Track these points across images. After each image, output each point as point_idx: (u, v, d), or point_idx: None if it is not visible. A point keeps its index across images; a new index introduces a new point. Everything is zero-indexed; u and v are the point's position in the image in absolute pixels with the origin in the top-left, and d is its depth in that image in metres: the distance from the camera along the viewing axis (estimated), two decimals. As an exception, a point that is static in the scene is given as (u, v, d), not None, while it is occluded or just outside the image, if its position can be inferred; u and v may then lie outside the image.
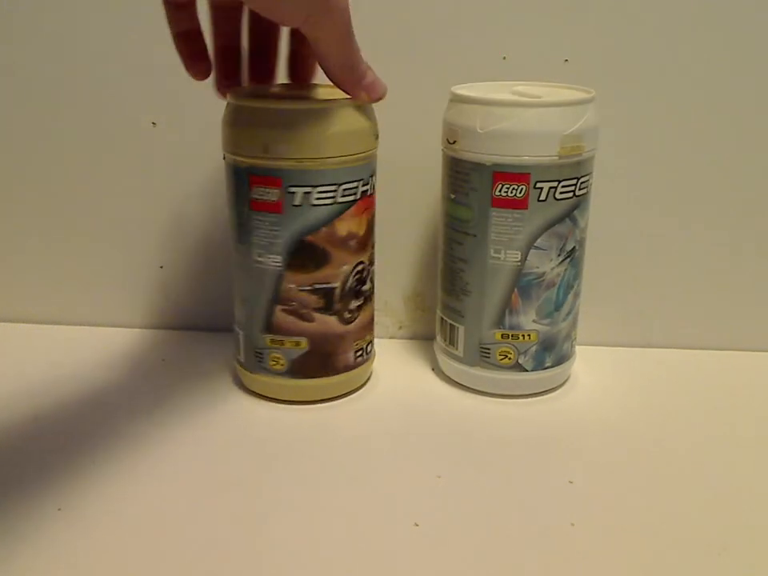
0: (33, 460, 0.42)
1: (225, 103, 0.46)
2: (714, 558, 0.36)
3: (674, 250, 0.55)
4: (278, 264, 0.45)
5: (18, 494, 0.40)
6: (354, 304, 0.47)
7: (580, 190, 0.46)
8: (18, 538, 0.36)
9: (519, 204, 0.45)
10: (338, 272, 0.46)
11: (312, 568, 0.35)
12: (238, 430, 0.46)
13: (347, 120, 0.44)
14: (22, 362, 0.54)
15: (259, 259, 0.45)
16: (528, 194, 0.45)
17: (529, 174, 0.44)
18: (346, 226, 0.45)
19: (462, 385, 0.51)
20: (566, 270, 0.47)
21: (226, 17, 0.44)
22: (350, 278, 0.47)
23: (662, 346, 0.57)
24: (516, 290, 0.47)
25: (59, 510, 0.38)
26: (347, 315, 0.47)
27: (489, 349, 0.48)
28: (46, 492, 0.40)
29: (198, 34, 0.43)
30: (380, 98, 0.44)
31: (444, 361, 0.51)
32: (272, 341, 0.47)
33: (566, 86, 0.49)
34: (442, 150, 0.48)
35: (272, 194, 0.44)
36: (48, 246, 0.58)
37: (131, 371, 0.52)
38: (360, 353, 0.49)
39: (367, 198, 0.46)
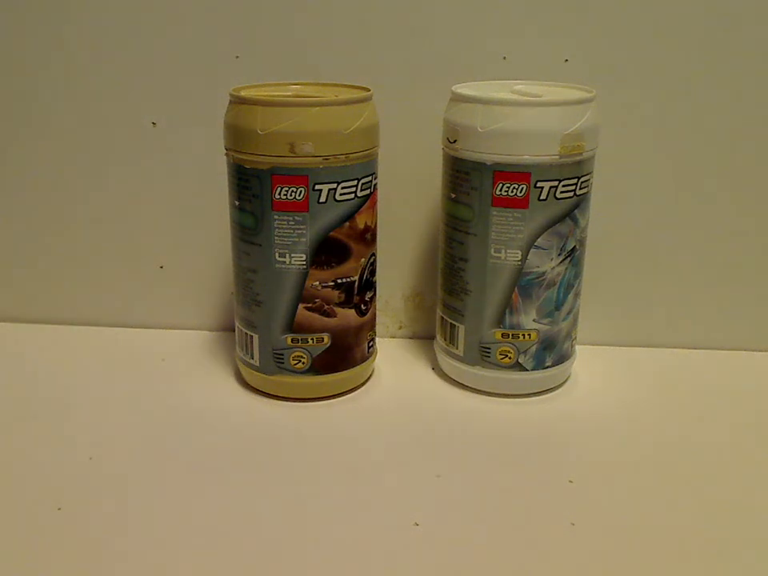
0: (32, 459, 0.42)
1: (224, 103, 0.46)
2: (714, 558, 0.36)
3: (674, 250, 0.55)
4: (302, 262, 0.45)
5: (18, 493, 0.40)
6: (368, 295, 0.48)
7: (581, 189, 0.46)
8: (18, 537, 0.36)
9: (520, 203, 0.45)
10: (357, 265, 0.47)
11: (312, 567, 0.35)
12: (237, 429, 0.46)
13: (366, 115, 0.45)
14: (20, 361, 0.54)
15: (280, 259, 0.45)
16: (528, 194, 0.45)
17: (529, 173, 0.44)
18: (364, 219, 0.46)
19: (462, 384, 0.51)
20: (566, 269, 0.47)
21: None
22: (366, 271, 0.47)
23: (662, 346, 0.57)
24: (516, 289, 0.47)
25: (59, 509, 0.38)
26: (363, 307, 0.48)
27: (489, 348, 0.48)
28: (45, 492, 0.40)
29: None
30: None
31: (444, 360, 0.51)
32: (294, 340, 0.47)
33: (566, 86, 0.49)
34: (443, 149, 0.48)
35: (298, 193, 0.44)
36: (47, 246, 0.58)
37: (131, 371, 0.52)
38: (371, 343, 0.50)
39: (376, 190, 0.47)
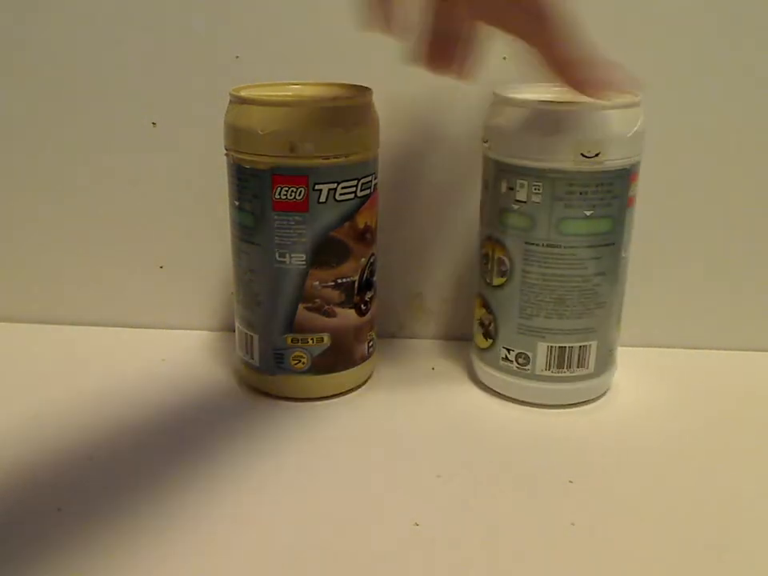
0: (32, 459, 0.42)
1: (224, 103, 0.46)
2: (715, 559, 0.36)
3: (675, 250, 0.55)
4: (301, 262, 0.45)
5: (18, 494, 0.40)
6: (368, 295, 0.48)
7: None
8: (18, 537, 0.36)
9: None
10: (357, 265, 0.47)
11: (311, 567, 0.35)
12: (237, 429, 0.46)
13: (367, 114, 0.45)
14: (21, 361, 0.54)
15: (281, 259, 0.45)
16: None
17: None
18: (364, 219, 0.46)
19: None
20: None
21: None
22: (366, 271, 0.47)
23: (663, 346, 0.57)
24: None
25: (59, 509, 0.38)
26: (363, 307, 0.48)
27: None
28: (45, 492, 0.40)
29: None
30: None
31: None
32: (294, 340, 0.47)
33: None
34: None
35: (298, 193, 0.44)
36: (47, 246, 0.58)
37: (131, 371, 0.52)
38: (371, 343, 0.50)
39: (376, 190, 0.47)
